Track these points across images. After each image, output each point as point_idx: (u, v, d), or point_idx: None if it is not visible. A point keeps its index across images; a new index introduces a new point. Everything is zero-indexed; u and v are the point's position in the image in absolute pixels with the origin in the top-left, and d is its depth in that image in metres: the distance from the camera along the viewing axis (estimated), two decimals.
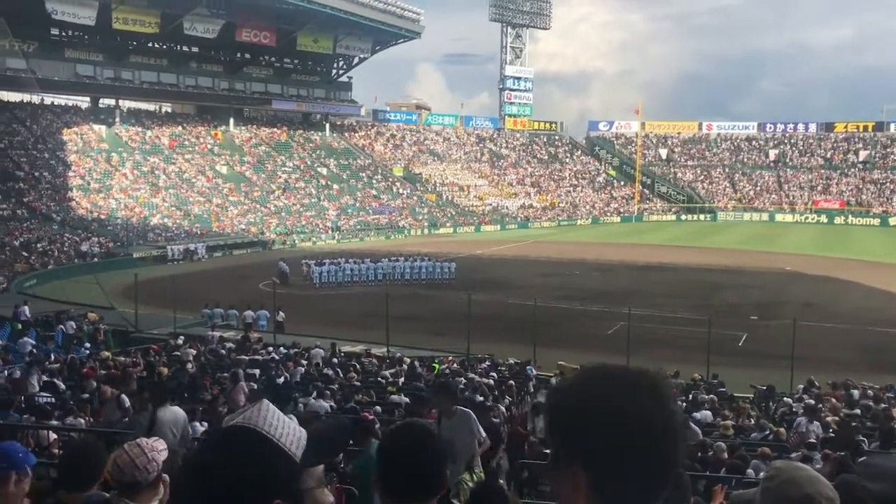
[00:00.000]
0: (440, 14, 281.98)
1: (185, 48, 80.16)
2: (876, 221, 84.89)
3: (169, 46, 78.80)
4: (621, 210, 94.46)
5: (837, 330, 29.12)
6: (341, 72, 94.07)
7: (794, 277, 44.77)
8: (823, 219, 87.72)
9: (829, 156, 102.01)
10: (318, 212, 72.59)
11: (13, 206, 53.81)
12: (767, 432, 13.54)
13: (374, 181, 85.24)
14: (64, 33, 71.50)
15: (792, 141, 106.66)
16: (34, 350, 18.62)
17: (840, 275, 44.76)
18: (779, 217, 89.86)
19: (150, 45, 76.76)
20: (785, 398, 17.72)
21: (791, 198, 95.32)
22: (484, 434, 7.46)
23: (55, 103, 72.78)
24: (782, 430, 13.38)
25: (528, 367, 21.25)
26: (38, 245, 47.41)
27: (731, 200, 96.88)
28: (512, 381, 18.65)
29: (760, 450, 10.66)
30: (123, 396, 11.13)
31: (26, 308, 25.06)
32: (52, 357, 17.50)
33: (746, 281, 43.11)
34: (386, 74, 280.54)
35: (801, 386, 19.09)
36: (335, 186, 79.67)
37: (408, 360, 21.31)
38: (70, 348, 20.61)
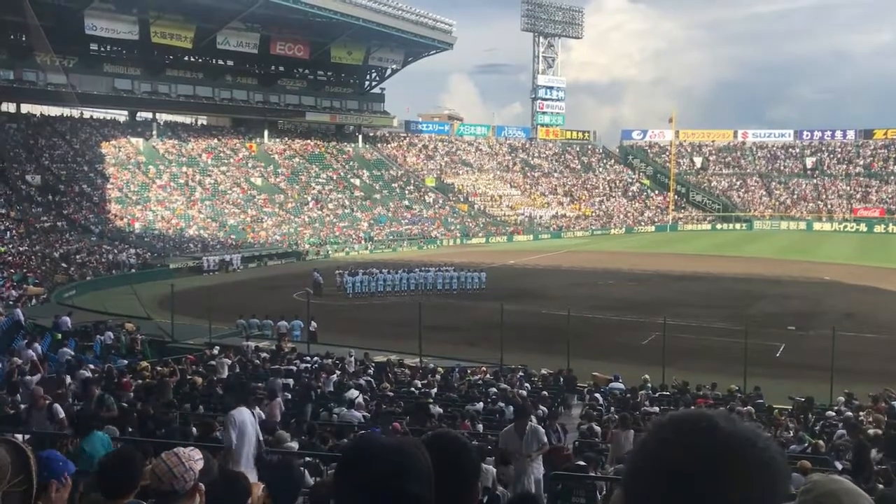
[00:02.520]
0: (472, 25, 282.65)
1: (220, 62, 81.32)
2: None
3: (204, 60, 79.98)
4: (655, 219, 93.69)
5: (878, 340, 28.56)
6: (374, 83, 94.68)
7: (832, 287, 44.01)
8: (863, 227, 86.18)
9: (868, 163, 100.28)
10: (352, 222, 73.03)
11: (54, 217, 54.89)
12: (806, 445, 13.30)
13: (406, 192, 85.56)
14: (102, 48, 72.95)
15: (830, 148, 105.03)
16: (71, 360, 18.92)
17: (881, 284, 43.91)
18: (816, 226, 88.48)
19: (186, 58, 77.97)
20: (827, 412, 17.38)
21: (829, 206, 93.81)
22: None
23: (94, 117, 74.28)
24: (821, 442, 13.13)
25: (560, 378, 21.15)
26: (78, 256, 48.27)
27: (767, 209, 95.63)
28: (545, 392, 18.56)
29: (800, 463, 10.47)
30: (56, 406, 11.01)
31: (68, 319, 25.49)
32: (91, 367, 17.77)
33: (784, 291, 42.47)
34: (418, 85, 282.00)
35: (842, 398, 18.73)
36: (369, 198, 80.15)
37: (441, 371, 21.32)
38: (107, 358, 20.92)
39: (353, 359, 22.07)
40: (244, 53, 78.18)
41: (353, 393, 16.12)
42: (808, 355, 25.06)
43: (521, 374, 21.42)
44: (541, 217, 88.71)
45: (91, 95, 68.02)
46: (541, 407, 16.06)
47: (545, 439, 9.32)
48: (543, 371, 22.48)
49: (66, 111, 70.57)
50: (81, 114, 72.03)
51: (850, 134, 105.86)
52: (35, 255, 46.06)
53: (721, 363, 24.23)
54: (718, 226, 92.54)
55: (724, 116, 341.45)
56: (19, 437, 7.19)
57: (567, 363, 22.67)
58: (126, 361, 19.90)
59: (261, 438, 8.62)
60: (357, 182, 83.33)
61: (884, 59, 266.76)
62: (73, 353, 20.19)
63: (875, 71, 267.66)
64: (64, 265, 46.13)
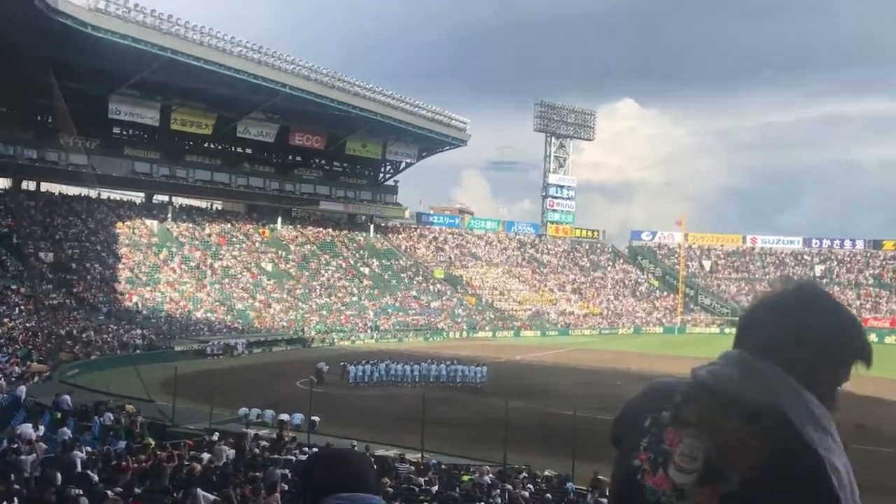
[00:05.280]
0: (486, 122, 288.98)
1: (239, 149, 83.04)
2: None
3: (224, 147, 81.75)
4: (664, 320, 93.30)
5: (893, 455, 27.86)
6: (388, 176, 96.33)
7: (843, 397, 43.03)
8: (873, 337, 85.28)
9: (877, 273, 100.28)
10: (359, 311, 72.98)
11: (63, 295, 55.10)
12: None
13: (415, 282, 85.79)
14: (125, 132, 74.77)
15: (839, 257, 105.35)
16: (67, 441, 18.64)
17: (892, 396, 43.18)
18: None
19: (206, 145, 79.77)
20: None
21: None
22: None
23: (111, 198, 75.40)
24: None
25: (567, 483, 20.62)
26: (84, 335, 48.22)
27: None
28: (549, 495, 18.11)
29: None
30: None
31: (68, 397, 25.25)
32: (88, 449, 17.50)
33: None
34: (431, 178, 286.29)
35: None
36: (377, 287, 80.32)
37: (443, 467, 20.88)
38: (106, 440, 20.61)
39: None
40: (263, 142, 79.96)
41: None
42: None
43: (524, 474, 20.95)
44: (548, 313, 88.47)
45: (110, 177, 69.21)
46: None
47: None
48: (547, 472, 21.98)
49: (84, 191, 71.75)
50: (99, 194, 73.16)
51: (859, 243, 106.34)
52: (42, 332, 46.03)
53: None
54: (727, 330, 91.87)
55: (733, 221, 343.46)
56: None
57: (572, 466, 22.17)
58: (124, 443, 19.60)
59: None
60: (366, 271, 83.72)
61: (890, 170, 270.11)
62: (71, 433, 19.91)
63: (882, 182, 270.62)
64: (69, 343, 46.03)
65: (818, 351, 1.56)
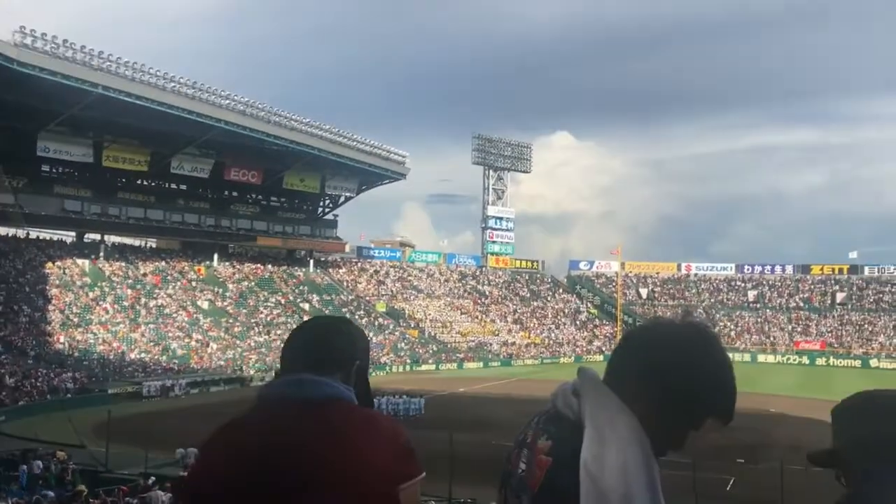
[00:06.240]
0: (425, 156, 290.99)
1: (173, 185, 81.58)
2: (857, 363, 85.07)
3: (157, 184, 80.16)
4: (604, 348, 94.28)
5: (828, 475, 28.53)
6: (327, 210, 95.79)
7: (778, 419, 44.28)
8: (805, 360, 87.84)
9: (807, 297, 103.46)
10: None
11: None
12: None
13: (356, 317, 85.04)
14: (54, 170, 72.75)
15: (770, 282, 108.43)
16: None
17: (825, 417, 44.13)
18: (761, 358, 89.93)
19: (139, 182, 78.16)
20: None
21: (772, 338, 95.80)
22: None
23: (40, 237, 73.02)
24: None
25: None
26: (11, 380, 46.37)
27: None
28: None
29: None
30: None
31: None
32: (16, 500, 16.75)
33: (731, 422, 42.51)
34: (372, 212, 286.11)
35: None
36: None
37: None
38: (35, 489, 19.78)
39: None
40: (198, 178, 78.73)
41: None
42: (759, 489, 24.90)
43: None
44: (491, 344, 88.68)
45: (39, 216, 67.19)
46: None
47: None
48: None
49: (12, 231, 69.42)
50: (27, 234, 70.89)
51: (789, 269, 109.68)
52: None
53: (670, 496, 23.78)
54: None
55: (669, 249, 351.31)
56: None
57: None
58: (53, 494, 18.83)
59: None
60: (306, 307, 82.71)
61: (816, 199, 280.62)
62: None
63: (808, 209, 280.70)
64: None
65: (660, 394, 1.61)
